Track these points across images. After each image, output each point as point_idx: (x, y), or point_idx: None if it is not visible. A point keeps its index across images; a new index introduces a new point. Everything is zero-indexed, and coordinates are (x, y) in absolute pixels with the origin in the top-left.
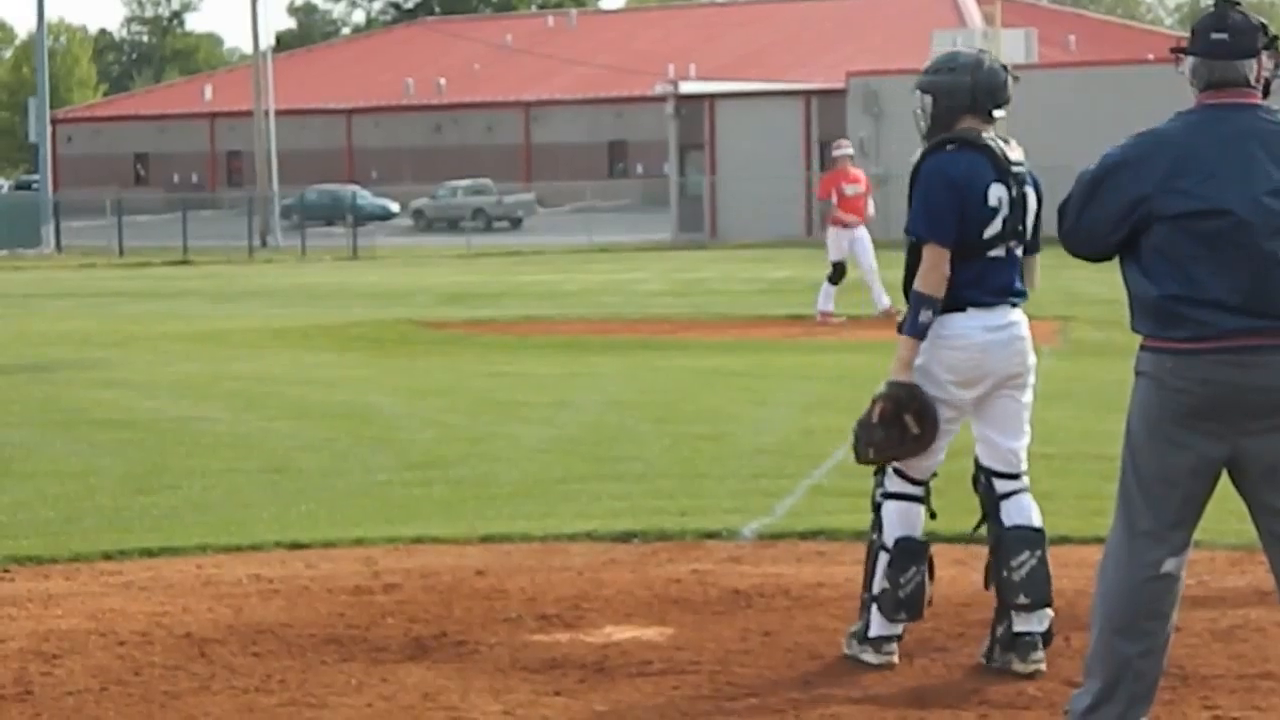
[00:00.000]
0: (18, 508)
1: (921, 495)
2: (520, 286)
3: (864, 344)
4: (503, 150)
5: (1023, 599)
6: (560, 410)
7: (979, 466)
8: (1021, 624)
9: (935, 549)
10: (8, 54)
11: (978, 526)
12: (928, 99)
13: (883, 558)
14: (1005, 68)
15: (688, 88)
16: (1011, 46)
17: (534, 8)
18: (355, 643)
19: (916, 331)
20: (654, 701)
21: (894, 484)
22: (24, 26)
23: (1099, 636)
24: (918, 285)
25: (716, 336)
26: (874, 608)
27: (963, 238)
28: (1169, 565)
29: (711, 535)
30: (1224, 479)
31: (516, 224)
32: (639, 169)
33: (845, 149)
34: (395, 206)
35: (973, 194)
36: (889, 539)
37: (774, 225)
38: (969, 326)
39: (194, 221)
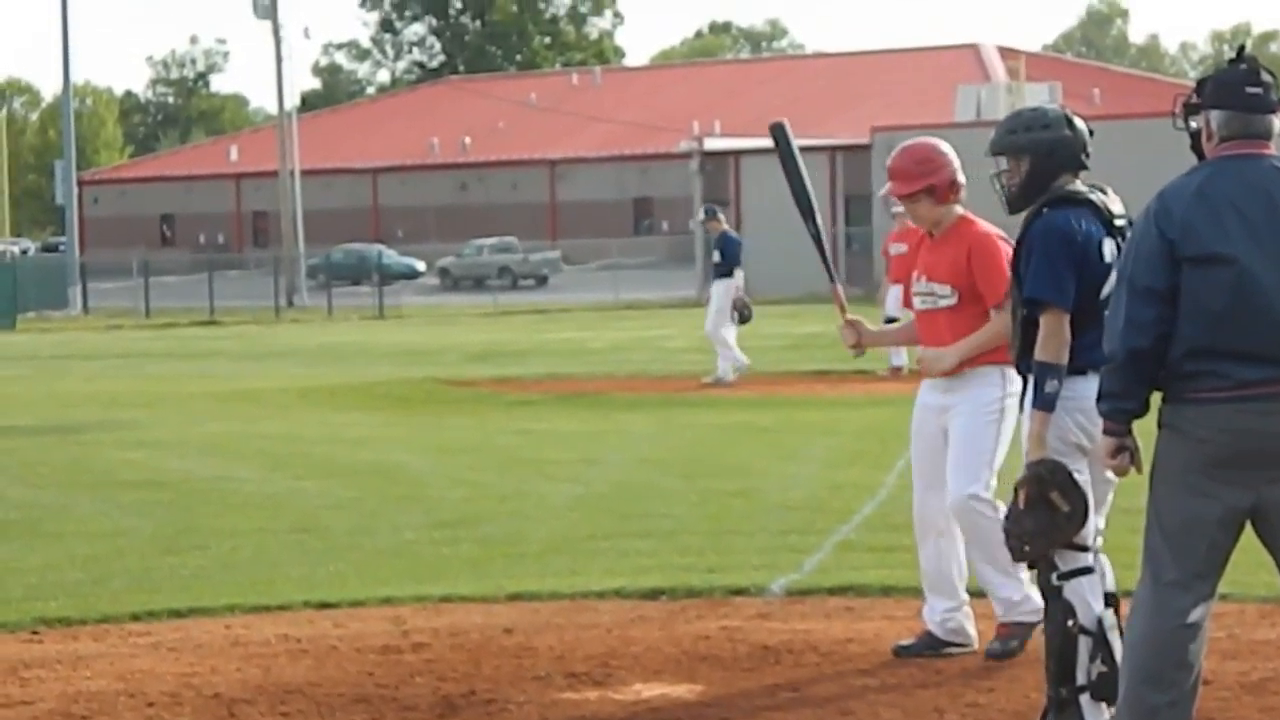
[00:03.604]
0: (46, 569)
1: (1093, 564)
2: (547, 344)
3: (891, 398)
4: (528, 208)
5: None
6: (588, 468)
7: None
8: None
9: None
10: (34, 117)
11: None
12: (1023, 159)
13: (1084, 642)
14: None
15: (712, 144)
16: (1036, 101)
17: (558, 65)
18: (384, 702)
19: (1046, 404)
20: None
21: (1067, 562)
22: (50, 89)
23: (1128, 688)
24: (1040, 355)
25: (743, 392)
26: (1084, 698)
27: (1082, 299)
28: (1195, 614)
29: (740, 591)
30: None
31: (542, 282)
32: (664, 226)
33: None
34: (421, 265)
35: (1091, 252)
36: (1088, 621)
37: (800, 281)
38: (1092, 389)
39: (220, 282)
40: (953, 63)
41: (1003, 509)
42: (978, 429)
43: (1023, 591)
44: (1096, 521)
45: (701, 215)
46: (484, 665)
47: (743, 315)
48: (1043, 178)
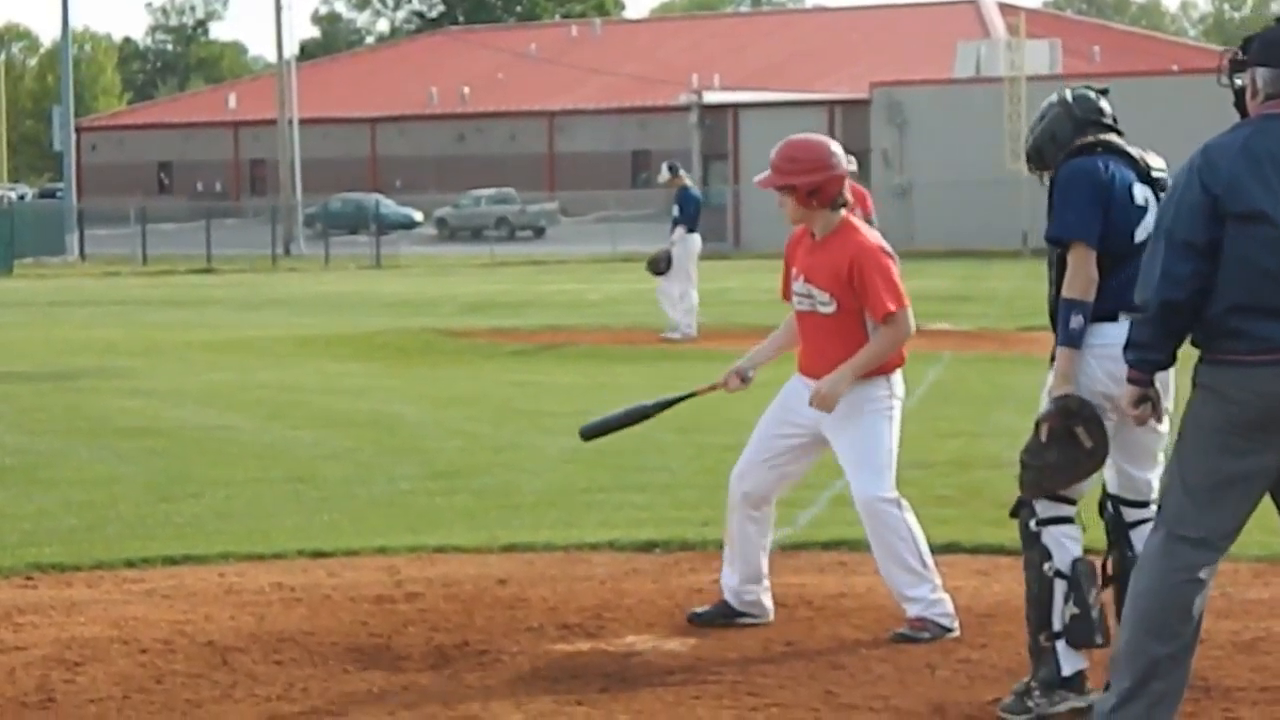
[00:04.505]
0: (41, 515)
1: (1074, 515)
2: (543, 296)
3: None
4: (526, 159)
5: None
6: (583, 420)
7: (1106, 494)
8: None
9: (956, 560)
10: (33, 62)
11: (1106, 557)
12: (1043, 159)
13: (1059, 586)
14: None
15: (712, 98)
16: (1036, 57)
17: (558, 17)
18: (377, 651)
19: (1071, 340)
20: (675, 711)
21: (1047, 509)
22: (49, 35)
23: (1130, 636)
24: (1065, 291)
25: (740, 346)
26: (1060, 644)
27: (1113, 240)
28: (1205, 571)
29: None
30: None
31: (540, 233)
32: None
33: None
34: (419, 215)
35: (1119, 193)
36: (1064, 564)
37: None
38: (1122, 336)
39: (217, 230)
40: (953, 18)
41: (907, 506)
42: (874, 427)
43: (938, 591)
44: (1148, 477)
45: (666, 173)
46: (477, 616)
47: (656, 268)
48: (1062, 155)
